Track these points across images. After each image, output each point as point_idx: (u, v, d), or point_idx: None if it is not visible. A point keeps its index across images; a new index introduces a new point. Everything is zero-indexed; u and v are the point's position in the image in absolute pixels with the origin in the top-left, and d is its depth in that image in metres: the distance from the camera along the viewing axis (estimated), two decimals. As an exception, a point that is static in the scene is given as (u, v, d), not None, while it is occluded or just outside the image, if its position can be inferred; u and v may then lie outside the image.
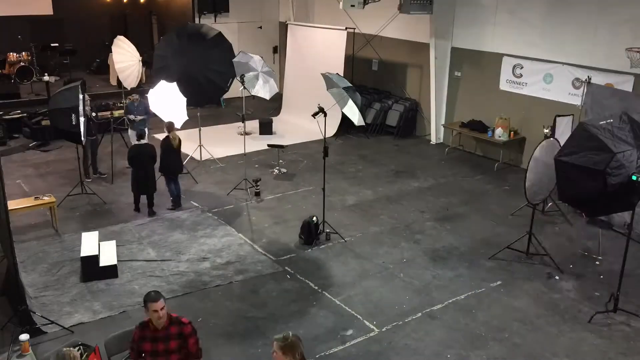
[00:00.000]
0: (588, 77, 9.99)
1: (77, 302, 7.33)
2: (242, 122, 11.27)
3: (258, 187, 10.64)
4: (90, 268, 7.89)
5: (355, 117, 9.14)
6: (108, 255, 8.18)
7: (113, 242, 8.57)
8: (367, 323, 7.06)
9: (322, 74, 9.38)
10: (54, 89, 13.56)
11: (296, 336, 4.18)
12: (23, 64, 16.32)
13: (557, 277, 8.05)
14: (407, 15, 13.12)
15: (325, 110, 8.94)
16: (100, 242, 8.39)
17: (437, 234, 9.43)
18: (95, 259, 7.93)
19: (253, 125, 14.64)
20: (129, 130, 12.26)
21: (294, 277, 8.08)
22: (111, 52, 14.77)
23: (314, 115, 8.89)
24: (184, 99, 10.86)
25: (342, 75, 11.23)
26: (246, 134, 14.00)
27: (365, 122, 12.90)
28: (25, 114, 13.98)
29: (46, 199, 9.35)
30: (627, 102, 9.26)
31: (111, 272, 7.95)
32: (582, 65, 10.96)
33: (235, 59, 11.79)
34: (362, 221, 9.80)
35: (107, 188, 10.89)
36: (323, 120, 8.91)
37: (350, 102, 9.01)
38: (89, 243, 8.22)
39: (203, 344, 6.58)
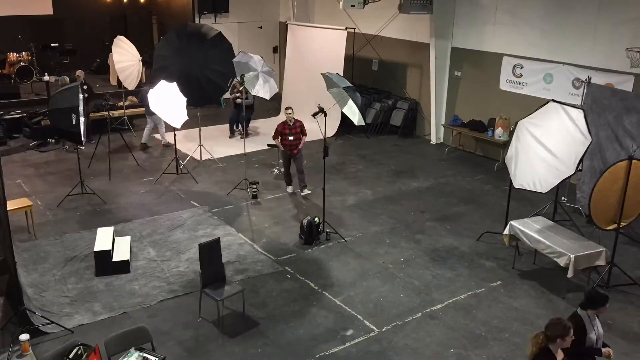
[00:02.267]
0: (588, 77, 9.98)
1: (77, 303, 7.33)
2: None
3: (255, 190, 10.63)
4: (103, 263, 7.94)
5: (355, 117, 9.13)
6: (122, 250, 8.24)
7: (128, 238, 8.62)
8: (367, 323, 7.06)
9: (322, 74, 9.38)
10: (54, 89, 13.56)
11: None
12: (23, 64, 16.30)
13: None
14: (407, 15, 13.12)
15: (325, 110, 8.94)
16: (116, 238, 8.48)
17: (437, 234, 9.43)
18: (107, 253, 7.98)
19: (253, 125, 14.66)
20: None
21: (294, 277, 8.08)
22: (111, 52, 14.78)
23: (314, 115, 8.89)
24: (184, 99, 10.86)
25: (342, 75, 11.23)
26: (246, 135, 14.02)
27: (365, 122, 12.91)
28: (25, 114, 13.98)
29: (21, 203, 9.12)
30: (627, 102, 9.26)
31: (123, 267, 8.00)
32: (582, 65, 10.96)
33: (235, 59, 11.78)
34: (362, 221, 9.80)
35: (107, 188, 10.90)
36: (323, 120, 8.91)
37: (350, 102, 9.00)
38: (104, 238, 8.25)
39: (203, 344, 6.63)
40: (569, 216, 9.51)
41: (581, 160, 8.23)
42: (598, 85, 9.87)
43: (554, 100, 8.50)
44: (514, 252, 8.48)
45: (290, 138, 10.54)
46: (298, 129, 10.61)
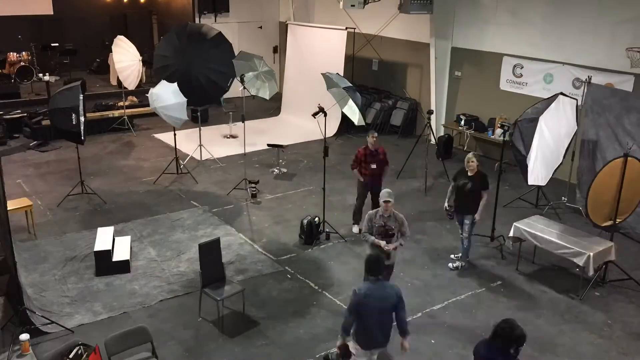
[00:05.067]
0: (588, 77, 9.99)
1: (77, 303, 7.33)
2: (242, 122, 11.24)
3: (255, 189, 10.63)
4: (103, 263, 7.94)
5: (355, 117, 9.14)
6: (122, 250, 8.26)
7: (128, 238, 8.63)
8: (367, 323, 7.05)
9: (322, 74, 9.38)
10: (54, 89, 13.56)
11: None
12: (23, 63, 16.30)
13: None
14: (407, 15, 13.12)
15: (325, 110, 8.94)
16: (116, 238, 8.49)
17: (437, 234, 9.42)
18: (107, 253, 7.98)
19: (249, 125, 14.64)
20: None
21: (294, 277, 8.08)
22: (111, 52, 14.79)
23: (314, 115, 8.89)
24: (185, 99, 10.85)
25: (342, 75, 11.23)
26: (232, 136, 14.01)
27: (365, 122, 12.90)
28: (25, 114, 13.99)
29: (21, 203, 9.10)
30: (627, 102, 9.27)
31: (123, 267, 8.01)
32: (582, 65, 10.96)
33: (235, 59, 11.79)
34: (362, 221, 9.78)
35: (107, 188, 10.90)
36: (323, 120, 8.91)
37: (351, 102, 9.01)
38: (104, 238, 8.26)
39: (203, 344, 6.63)
40: (558, 216, 9.52)
41: (567, 150, 8.81)
42: (598, 85, 9.87)
43: (562, 94, 8.74)
44: (514, 252, 8.48)
45: (373, 166, 8.95)
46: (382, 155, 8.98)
